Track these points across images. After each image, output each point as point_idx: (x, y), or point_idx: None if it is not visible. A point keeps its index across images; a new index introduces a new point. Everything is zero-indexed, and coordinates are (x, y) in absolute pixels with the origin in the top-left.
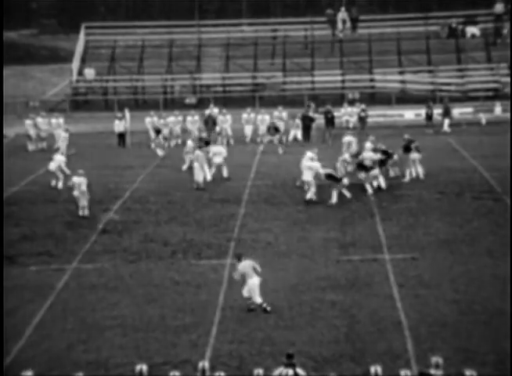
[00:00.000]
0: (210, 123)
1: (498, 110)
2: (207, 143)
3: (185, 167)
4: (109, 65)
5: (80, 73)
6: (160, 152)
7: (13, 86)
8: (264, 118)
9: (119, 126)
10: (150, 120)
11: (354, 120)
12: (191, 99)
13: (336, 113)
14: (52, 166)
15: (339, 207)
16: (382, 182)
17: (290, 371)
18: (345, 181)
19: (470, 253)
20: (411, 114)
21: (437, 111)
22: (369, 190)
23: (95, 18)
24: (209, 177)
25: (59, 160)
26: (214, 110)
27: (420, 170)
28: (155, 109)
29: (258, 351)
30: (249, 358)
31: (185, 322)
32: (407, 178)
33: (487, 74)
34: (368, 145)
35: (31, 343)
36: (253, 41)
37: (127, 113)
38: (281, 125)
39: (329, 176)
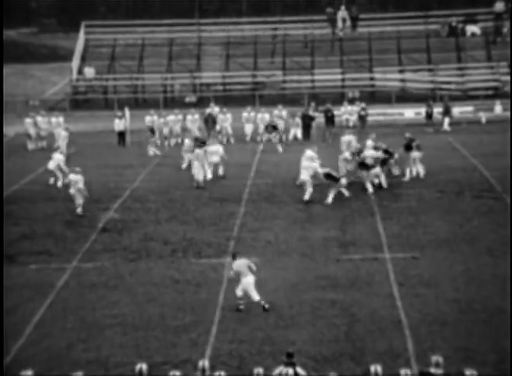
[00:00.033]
0: (210, 122)
1: (498, 108)
2: (203, 143)
3: (184, 165)
4: (109, 64)
5: (80, 71)
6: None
7: (13, 85)
8: (264, 117)
9: (119, 125)
10: (150, 119)
11: (354, 118)
12: (191, 98)
13: (336, 112)
14: (51, 165)
15: (339, 206)
16: (383, 181)
17: (290, 370)
18: (343, 181)
19: (471, 252)
20: (411, 113)
21: (437, 110)
22: (370, 189)
23: (95, 17)
24: (209, 176)
25: (58, 159)
26: (214, 109)
27: (421, 169)
28: (155, 108)
29: (258, 350)
30: (249, 357)
31: (185, 321)
32: (407, 177)
33: (487, 73)
34: (369, 143)
35: (31, 342)
36: (253, 40)
37: (127, 112)
38: (281, 124)
39: (327, 176)
